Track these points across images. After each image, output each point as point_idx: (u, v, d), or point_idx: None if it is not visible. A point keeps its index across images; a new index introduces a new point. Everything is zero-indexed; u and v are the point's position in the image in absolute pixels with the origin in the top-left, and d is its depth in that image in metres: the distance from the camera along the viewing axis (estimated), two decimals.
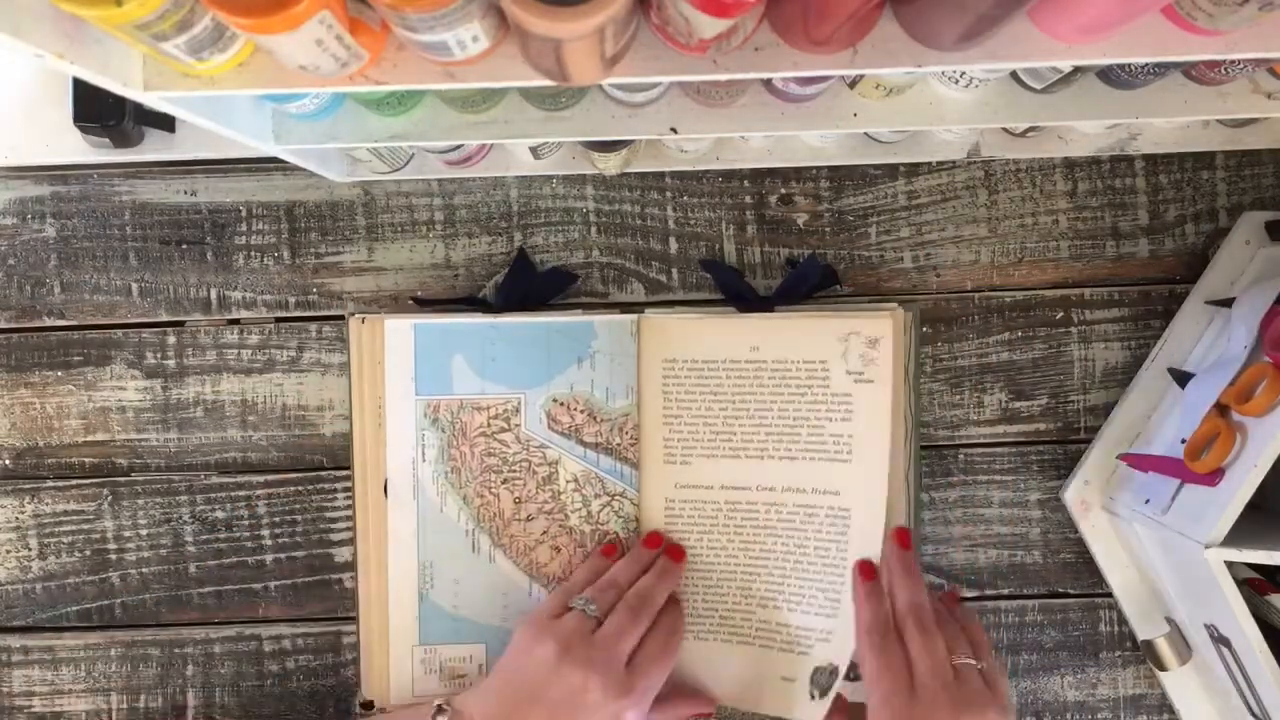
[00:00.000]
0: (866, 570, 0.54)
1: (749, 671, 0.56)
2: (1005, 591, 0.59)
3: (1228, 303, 0.53)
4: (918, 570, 0.53)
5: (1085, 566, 0.58)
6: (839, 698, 0.54)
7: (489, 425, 0.56)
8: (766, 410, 0.56)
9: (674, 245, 0.59)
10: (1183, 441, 0.51)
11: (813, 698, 0.54)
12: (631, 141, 0.50)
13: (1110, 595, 0.57)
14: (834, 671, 0.54)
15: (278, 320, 0.59)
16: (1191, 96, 0.43)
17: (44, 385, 0.59)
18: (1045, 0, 0.31)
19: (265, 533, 0.58)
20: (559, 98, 0.42)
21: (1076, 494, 0.57)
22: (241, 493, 0.58)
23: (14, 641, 0.58)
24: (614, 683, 0.48)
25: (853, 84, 0.43)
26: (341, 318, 0.58)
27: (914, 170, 0.58)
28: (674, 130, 0.43)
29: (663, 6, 0.30)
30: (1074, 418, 0.58)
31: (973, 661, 0.49)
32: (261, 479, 0.58)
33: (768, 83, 0.42)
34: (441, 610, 0.56)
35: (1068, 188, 0.58)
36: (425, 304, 0.58)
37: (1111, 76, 0.42)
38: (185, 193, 0.59)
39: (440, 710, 0.48)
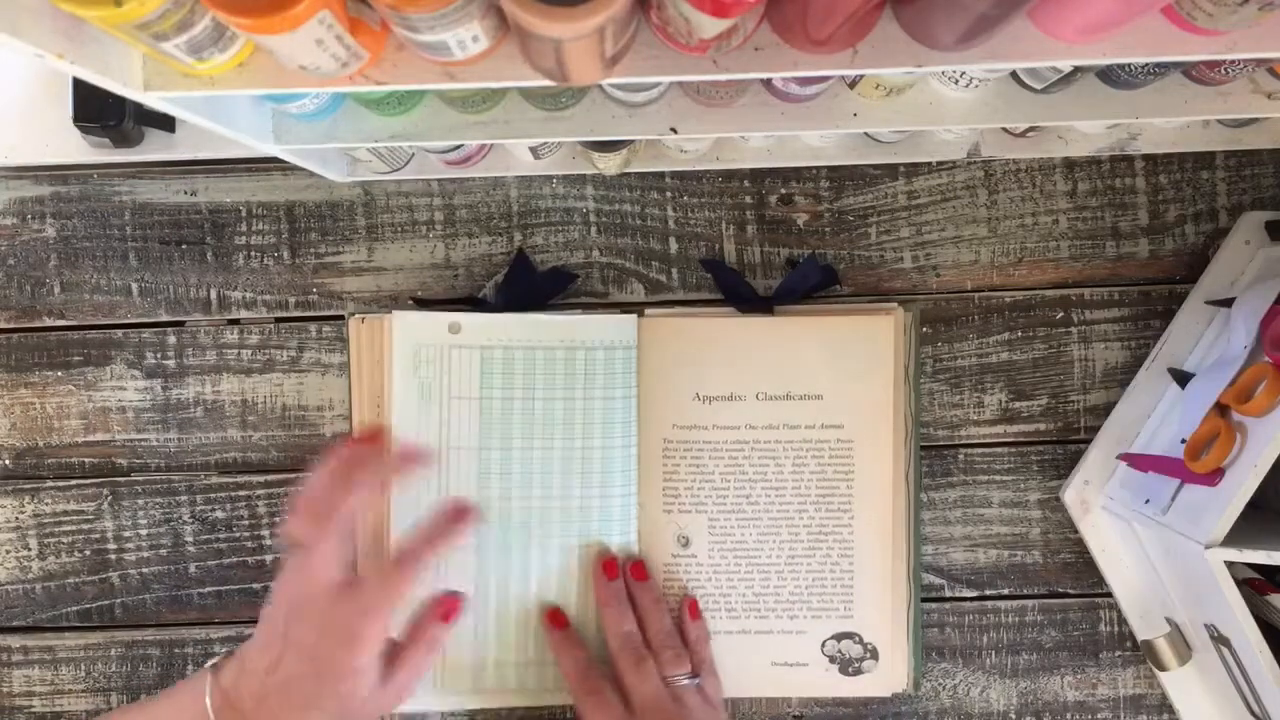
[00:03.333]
0: (556, 619, 0.54)
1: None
2: (1005, 591, 0.59)
3: (1228, 303, 0.53)
4: (622, 597, 0.53)
5: (1085, 566, 0.58)
6: None
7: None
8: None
9: (674, 245, 0.59)
10: (1183, 441, 0.51)
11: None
12: (631, 141, 0.50)
13: (1110, 595, 0.57)
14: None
15: (278, 320, 0.59)
16: (1191, 96, 0.43)
17: (44, 385, 0.59)
18: (1045, 0, 0.31)
19: (265, 533, 0.58)
20: (559, 98, 0.42)
21: (1076, 494, 0.57)
22: (241, 493, 0.58)
23: (14, 641, 0.58)
24: (376, 611, 0.47)
25: (853, 84, 0.43)
26: (341, 318, 0.59)
27: (914, 170, 0.58)
28: (674, 130, 0.43)
29: (663, 6, 0.30)
30: (1074, 418, 0.58)
31: (689, 680, 0.51)
32: (261, 479, 0.58)
33: (768, 83, 0.42)
34: None
35: (1068, 188, 0.58)
36: (425, 304, 0.58)
37: (1111, 76, 0.42)
38: (185, 193, 0.59)
39: (214, 667, 0.48)
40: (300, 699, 0.46)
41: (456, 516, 0.52)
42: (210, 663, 0.48)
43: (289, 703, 0.46)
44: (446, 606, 0.52)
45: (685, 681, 0.51)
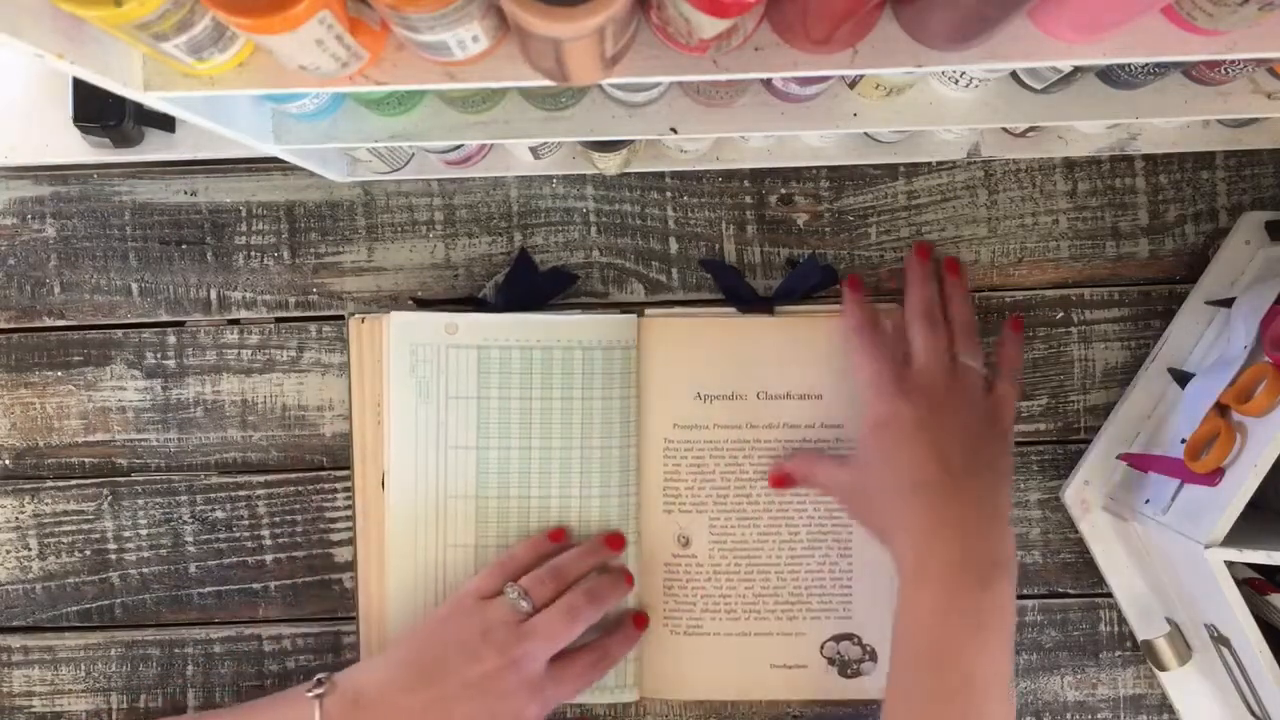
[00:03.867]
0: (922, 250, 0.55)
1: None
2: None
3: (1228, 303, 0.53)
4: (931, 276, 0.53)
5: (1085, 566, 0.58)
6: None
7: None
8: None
9: (674, 245, 0.59)
10: (1183, 441, 0.51)
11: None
12: (631, 141, 0.50)
13: (1110, 595, 0.57)
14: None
15: (278, 320, 0.59)
16: (1191, 96, 0.43)
17: (44, 385, 0.59)
18: (1045, 0, 0.31)
19: (265, 533, 0.58)
20: (559, 98, 0.42)
21: (1076, 494, 0.57)
22: (241, 493, 0.58)
23: (14, 641, 0.58)
24: (527, 682, 0.47)
25: (853, 84, 0.43)
26: (341, 318, 0.59)
27: (914, 170, 0.58)
28: (674, 130, 0.43)
29: (663, 6, 0.30)
30: (1074, 418, 0.58)
31: (975, 365, 0.49)
32: (261, 479, 0.58)
33: (768, 83, 0.42)
34: None
35: (1068, 188, 0.58)
36: (425, 304, 0.58)
37: (1111, 76, 0.42)
38: (185, 193, 0.59)
39: (319, 684, 0.47)
40: None
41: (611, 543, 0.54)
42: (312, 691, 0.48)
43: None
44: (639, 621, 0.54)
45: (973, 363, 0.50)
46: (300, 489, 0.58)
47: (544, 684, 0.48)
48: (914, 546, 0.46)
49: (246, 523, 0.58)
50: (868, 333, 0.52)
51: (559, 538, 0.54)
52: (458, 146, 0.52)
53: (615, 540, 0.54)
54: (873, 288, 0.58)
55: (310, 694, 0.47)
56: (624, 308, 0.58)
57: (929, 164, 0.58)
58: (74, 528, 0.58)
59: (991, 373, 0.52)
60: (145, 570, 0.58)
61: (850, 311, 0.53)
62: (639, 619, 0.54)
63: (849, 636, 0.56)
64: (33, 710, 0.58)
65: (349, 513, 0.57)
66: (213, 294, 0.59)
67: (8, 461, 0.59)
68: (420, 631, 0.50)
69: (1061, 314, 0.58)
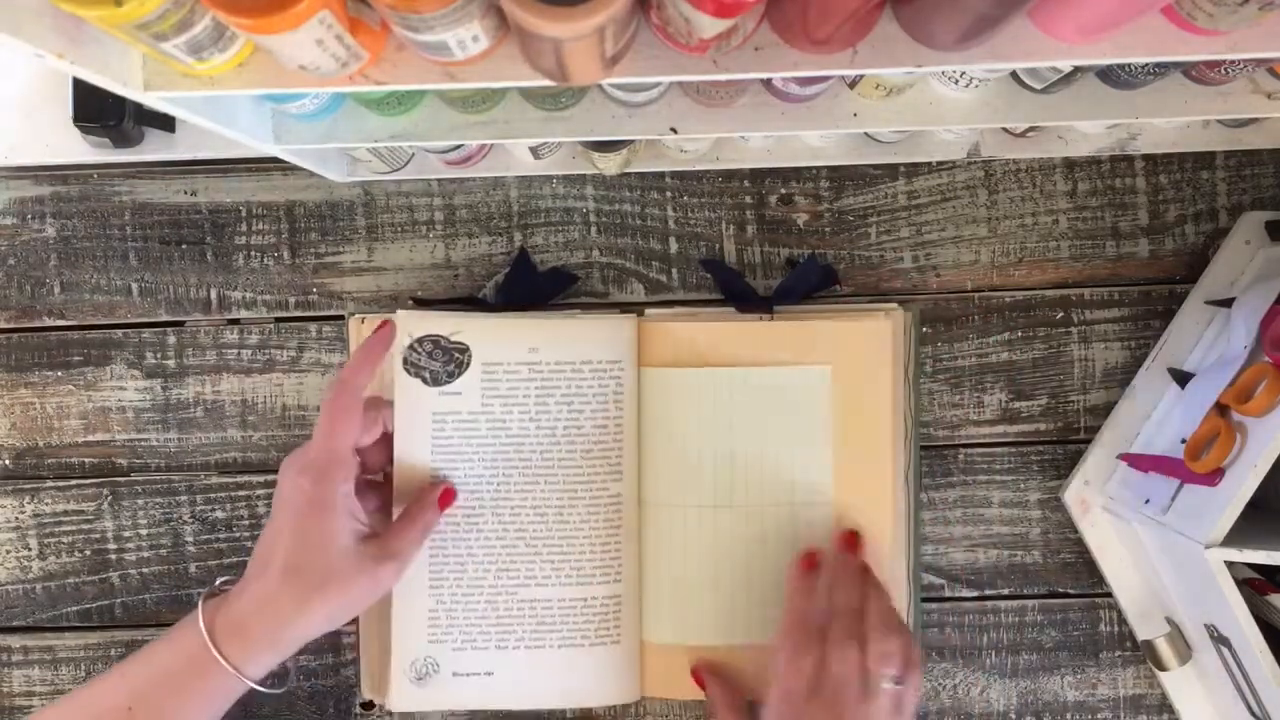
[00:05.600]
0: (808, 560, 0.53)
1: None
2: (1005, 591, 0.59)
3: (1228, 303, 0.53)
4: (861, 577, 0.51)
5: (1085, 566, 0.58)
6: (727, 693, 0.53)
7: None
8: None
9: (674, 245, 0.59)
10: (1183, 441, 0.51)
11: None
12: (631, 141, 0.50)
13: (1110, 595, 0.57)
14: None
15: (278, 320, 0.59)
16: (1191, 96, 0.43)
17: (44, 385, 0.59)
18: (1045, 0, 0.31)
19: None
20: (559, 98, 0.42)
21: (1076, 494, 0.57)
22: (241, 493, 0.58)
23: (14, 641, 0.58)
24: (319, 461, 0.48)
25: (853, 84, 0.43)
26: (341, 318, 0.58)
27: (914, 170, 0.58)
28: (674, 130, 0.43)
29: (663, 6, 0.30)
30: (1074, 418, 0.58)
31: (889, 682, 0.46)
32: (261, 479, 0.58)
33: (768, 83, 0.42)
34: None
35: (1068, 188, 0.58)
36: (425, 304, 0.58)
37: (1111, 76, 0.42)
38: (185, 193, 0.59)
39: (209, 595, 0.49)
40: (296, 586, 0.46)
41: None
42: (203, 593, 0.49)
43: (285, 595, 0.46)
44: (445, 496, 0.54)
45: (887, 684, 0.46)
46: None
47: (307, 449, 0.49)
48: None
49: (246, 523, 0.58)
50: (799, 635, 0.48)
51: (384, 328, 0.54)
52: (458, 146, 0.52)
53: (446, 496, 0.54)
54: (873, 287, 0.58)
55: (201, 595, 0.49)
56: (624, 307, 0.58)
57: (929, 164, 0.58)
58: (74, 528, 0.58)
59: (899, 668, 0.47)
60: (145, 570, 0.58)
61: (792, 601, 0.51)
62: (446, 494, 0.54)
63: None
64: (32, 710, 0.58)
65: None
66: (213, 294, 0.59)
67: (8, 461, 0.59)
68: None
69: (1061, 314, 0.58)
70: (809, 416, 0.55)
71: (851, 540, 0.54)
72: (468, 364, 0.55)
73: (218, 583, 0.50)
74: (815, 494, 0.55)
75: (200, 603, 0.48)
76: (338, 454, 0.49)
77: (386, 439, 0.54)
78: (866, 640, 0.47)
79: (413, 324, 0.55)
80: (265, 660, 0.47)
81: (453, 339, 0.55)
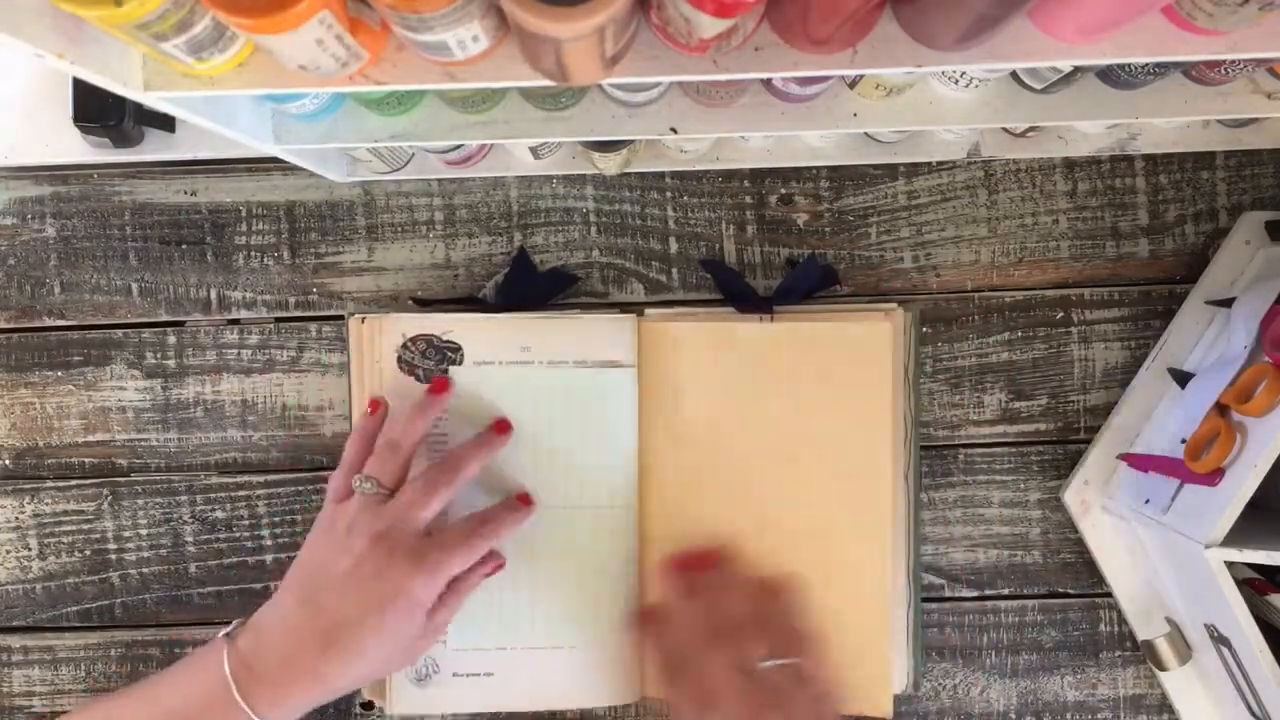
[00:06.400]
0: (647, 615, 0.53)
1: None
2: (1005, 591, 0.59)
3: (1228, 303, 0.53)
4: (705, 581, 0.51)
5: (1085, 566, 0.58)
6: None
7: None
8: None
9: (674, 245, 0.59)
10: (1183, 441, 0.51)
11: None
12: (631, 141, 0.50)
13: (1110, 595, 0.57)
14: None
15: (278, 320, 0.59)
16: (1191, 96, 0.43)
17: (44, 385, 0.59)
18: (1045, 0, 0.31)
19: (265, 533, 0.58)
20: (559, 98, 0.42)
21: (1076, 494, 0.57)
22: (241, 493, 0.58)
23: (14, 641, 0.58)
24: (401, 551, 0.46)
25: (853, 84, 0.43)
26: (341, 318, 0.59)
27: (914, 170, 0.58)
28: (674, 130, 0.43)
29: (663, 6, 0.30)
30: (1074, 418, 0.58)
31: (774, 662, 0.46)
32: (261, 479, 0.58)
33: (768, 83, 0.42)
34: None
35: (1068, 188, 0.58)
36: (425, 304, 0.58)
37: (1111, 76, 0.42)
38: (185, 193, 0.59)
39: (229, 635, 0.47)
40: (342, 645, 0.45)
41: (498, 426, 0.53)
42: (225, 631, 0.48)
43: (338, 674, 0.45)
44: (494, 562, 0.53)
45: (768, 664, 0.46)
46: (300, 489, 0.58)
47: (423, 549, 0.47)
48: None
49: (246, 523, 0.58)
50: (668, 671, 0.49)
51: (375, 408, 0.53)
52: (458, 146, 0.52)
53: (440, 384, 0.53)
54: (873, 287, 0.58)
55: (223, 634, 0.48)
56: (624, 307, 0.58)
57: (929, 164, 0.58)
58: (74, 528, 0.58)
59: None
60: (145, 570, 0.58)
61: (650, 643, 0.51)
62: (523, 497, 0.54)
63: None
64: (33, 710, 0.58)
65: None
66: (213, 294, 0.59)
67: (8, 461, 0.59)
68: (300, 557, 0.49)
69: (1061, 314, 0.58)
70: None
71: (685, 561, 0.54)
72: (459, 363, 0.55)
73: (234, 625, 0.49)
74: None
75: (225, 646, 0.47)
76: (444, 561, 0.47)
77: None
78: (720, 639, 0.47)
79: (405, 324, 0.55)
80: (292, 715, 0.46)
81: (444, 338, 0.55)
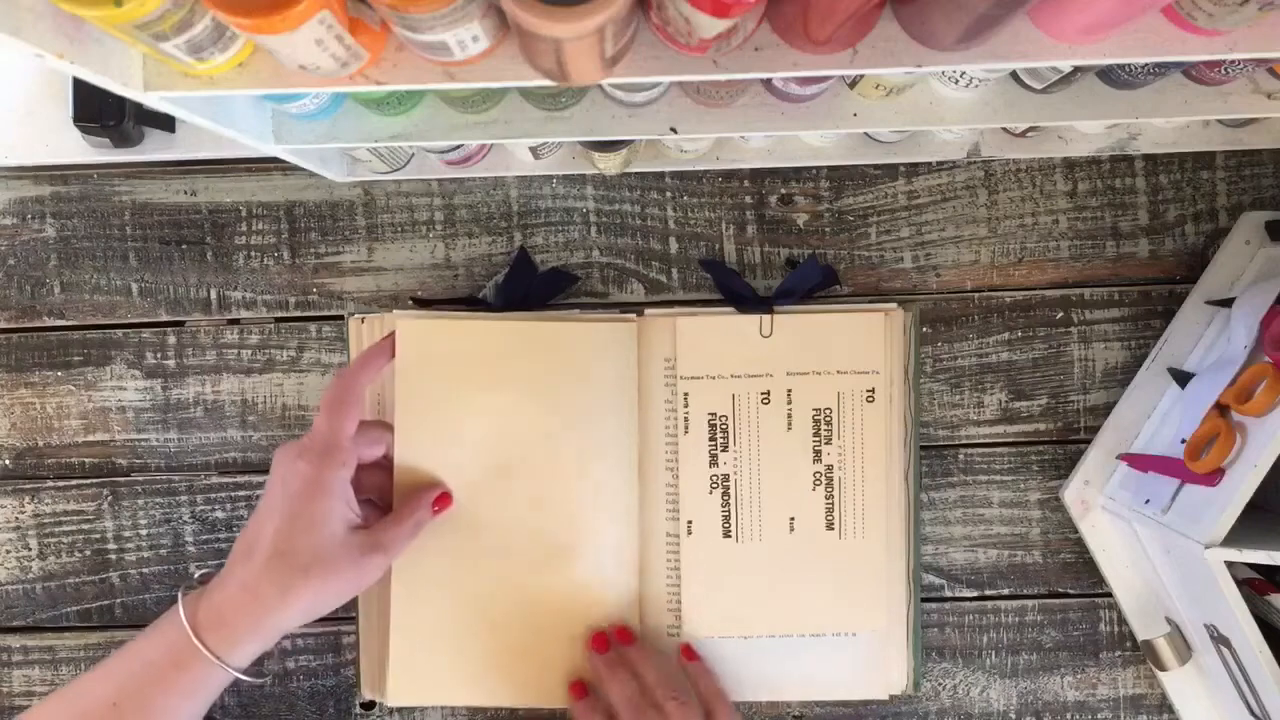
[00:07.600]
0: (578, 688, 0.54)
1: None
2: (1005, 591, 0.59)
3: (1228, 303, 0.53)
4: (617, 663, 0.53)
5: (1085, 566, 0.58)
6: None
7: None
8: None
9: (674, 245, 0.59)
10: (1183, 441, 0.51)
11: None
12: (631, 141, 0.50)
13: (1110, 595, 0.57)
14: None
15: (278, 320, 0.59)
16: (1191, 96, 0.43)
17: (44, 385, 0.59)
18: (1045, 0, 0.31)
19: None
20: (559, 98, 0.42)
21: (1076, 494, 0.57)
22: (241, 493, 0.58)
23: (14, 641, 0.58)
24: (307, 453, 0.47)
25: (853, 84, 0.43)
26: (341, 318, 0.59)
27: (914, 170, 0.58)
28: (674, 130, 0.43)
29: (663, 6, 0.30)
30: (1074, 418, 0.58)
31: (668, 700, 0.49)
32: (261, 479, 0.58)
33: (768, 83, 0.42)
34: None
35: (1068, 188, 0.58)
36: (425, 304, 0.58)
37: (1111, 76, 0.42)
38: (185, 193, 0.59)
39: (185, 588, 0.48)
40: (267, 554, 0.46)
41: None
42: (183, 587, 0.49)
43: (269, 581, 0.46)
44: (441, 499, 0.53)
45: (669, 703, 0.50)
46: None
47: (313, 444, 0.48)
48: None
49: (246, 523, 0.58)
50: None
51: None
52: (458, 146, 0.52)
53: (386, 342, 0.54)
54: (873, 287, 0.58)
55: (181, 588, 0.49)
56: (624, 307, 0.58)
57: (929, 164, 0.58)
58: (74, 528, 0.58)
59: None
60: (145, 570, 0.58)
61: (610, 691, 0.52)
62: (443, 497, 0.54)
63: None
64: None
65: None
66: (213, 294, 0.59)
67: (8, 461, 0.59)
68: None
69: (1061, 314, 0.58)
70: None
71: (624, 636, 0.55)
72: None
73: (196, 575, 0.50)
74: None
75: (180, 595, 0.47)
76: (338, 440, 0.48)
77: (385, 463, 0.54)
78: (660, 710, 0.50)
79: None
80: (249, 649, 0.47)
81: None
